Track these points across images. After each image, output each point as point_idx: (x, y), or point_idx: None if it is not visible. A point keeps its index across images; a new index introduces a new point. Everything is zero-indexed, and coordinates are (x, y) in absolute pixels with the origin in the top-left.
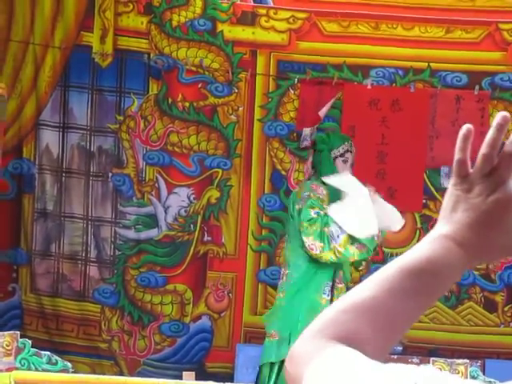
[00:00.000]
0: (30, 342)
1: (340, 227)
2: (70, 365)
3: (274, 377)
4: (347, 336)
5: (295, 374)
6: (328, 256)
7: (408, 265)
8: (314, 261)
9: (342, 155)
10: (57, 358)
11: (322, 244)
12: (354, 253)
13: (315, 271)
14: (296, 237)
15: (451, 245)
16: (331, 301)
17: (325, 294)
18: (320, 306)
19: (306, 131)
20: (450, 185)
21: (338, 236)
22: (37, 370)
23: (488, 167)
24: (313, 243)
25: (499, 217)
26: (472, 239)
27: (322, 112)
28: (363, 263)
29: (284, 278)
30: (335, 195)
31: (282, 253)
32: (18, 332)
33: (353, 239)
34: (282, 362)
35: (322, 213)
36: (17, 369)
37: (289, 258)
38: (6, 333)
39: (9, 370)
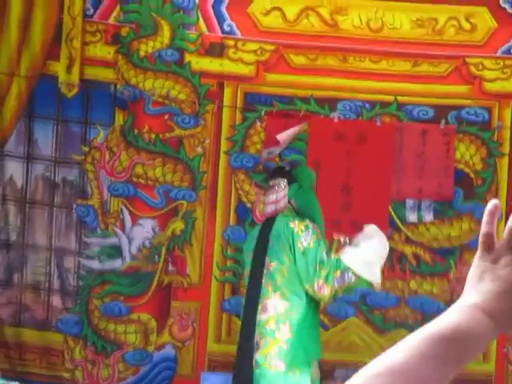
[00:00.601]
0: None
1: (351, 276)
2: None
3: None
4: None
5: None
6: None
7: (440, 332)
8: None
9: None
10: None
11: (329, 287)
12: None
13: (314, 305)
14: (294, 272)
15: (481, 315)
16: None
17: None
18: None
19: (264, 153)
20: (476, 257)
21: (346, 280)
22: None
23: None
24: (323, 286)
25: None
26: (501, 309)
27: (281, 136)
28: None
29: (281, 309)
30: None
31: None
32: None
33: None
34: None
35: (333, 256)
36: None
37: (287, 290)
38: None
39: None
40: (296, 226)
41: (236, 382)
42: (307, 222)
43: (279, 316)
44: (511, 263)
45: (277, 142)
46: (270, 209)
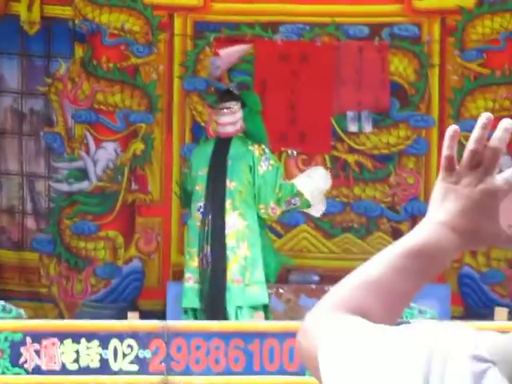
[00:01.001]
0: None
1: (297, 200)
2: (23, 312)
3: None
4: (358, 309)
5: (309, 346)
6: None
7: (409, 247)
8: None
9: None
10: (11, 306)
11: (280, 209)
12: None
13: (263, 225)
14: (249, 190)
15: (446, 230)
16: None
17: None
18: None
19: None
20: (439, 179)
21: (292, 204)
22: None
23: (475, 161)
24: (275, 208)
25: (487, 205)
26: (463, 225)
27: (224, 51)
28: None
29: (240, 227)
30: None
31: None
32: None
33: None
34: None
35: (288, 182)
36: None
37: (244, 210)
38: None
39: None
40: (255, 149)
41: (208, 294)
42: (263, 146)
43: (238, 233)
44: (472, 182)
45: (219, 56)
46: (227, 129)
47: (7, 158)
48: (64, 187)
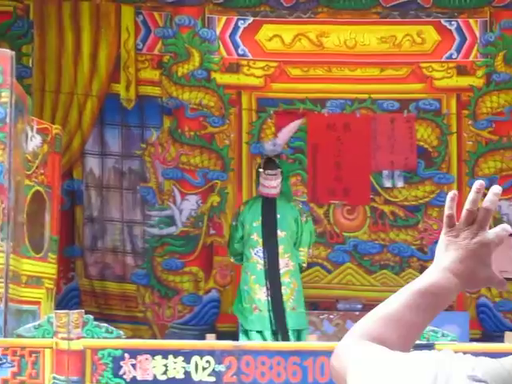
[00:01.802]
0: (92, 317)
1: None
2: (122, 333)
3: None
4: (378, 339)
5: (339, 367)
6: None
7: (419, 288)
8: None
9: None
10: (112, 328)
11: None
12: None
13: None
14: (293, 238)
15: (449, 275)
16: None
17: None
18: None
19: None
20: (442, 233)
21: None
22: (98, 337)
23: (471, 219)
24: (309, 251)
25: (481, 254)
26: (462, 270)
27: (281, 132)
28: None
29: (291, 267)
30: None
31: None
32: (83, 310)
33: None
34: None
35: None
36: (84, 337)
37: (292, 254)
38: (74, 311)
39: (78, 338)
40: (296, 205)
41: (274, 322)
42: (299, 202)
43: (290, 272)
44: (468, 236)
45: (278, 137)
46: (272, 191)
47: (111, 208)
48: (156, 231)
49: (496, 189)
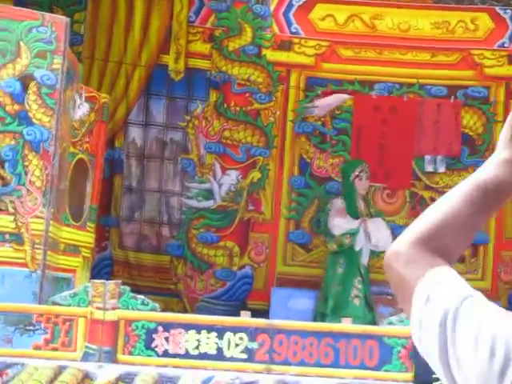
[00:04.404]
0: (128, 288)
1: None
2: (157, 306)
3: None
4: (442, 250)
5: (403, 273)
6: None
7: (479, 182)
8: None
9: (357, 176)
10: (148, 300)
11: None
12: None
13: None
14: None
15: (510, 168)
16: None
17: None
18: None
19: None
20: (507, 123)
21: None
22: (133, 309)
23: None
24: None
25: None
26: None
27: (325, 99)
28: None
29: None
30: None
31: None
32: (120, 281)
33: None
34: None
35: None
36: (119, 308)
37: None
38: (111, 281)
39: (113, 308)
40: None
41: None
42: None
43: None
44: None
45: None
46: None
47: (150, 178)
48: (194, 203)
49: None
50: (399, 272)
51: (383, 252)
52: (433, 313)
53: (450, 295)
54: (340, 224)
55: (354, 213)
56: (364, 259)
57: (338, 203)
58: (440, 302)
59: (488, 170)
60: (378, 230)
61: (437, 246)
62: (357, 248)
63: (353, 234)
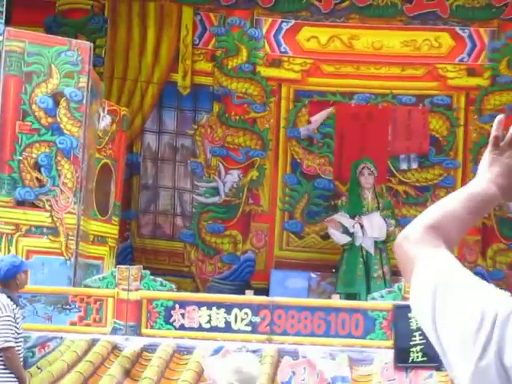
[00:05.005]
0: (148, 272)
1: None
2: (174, 286)
3: None
4: (446, 237)
5: (411, 253)
6: None
7: (472, 193)
8: None
9: (360, 172)
10: (166, 282)
11: None
12: None
13: None
14: None
15: (492, 186)
16: None
17: None
18: None
19: (303, 130)
20: (487, 151)
21: None
22: (153, 290)
23: None
24: None
25: None
26: (502, 183)
27: (314, 117)
28: None
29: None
30: None
31: None
32: (141, 266)
33: None
34: None
35: None
36: (141, 289)
37: None
38: (134, 267)
39: (136, 290)
40: None
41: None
42: None
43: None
44: (510, 155)
45: (310, 122)
46: None
47: (164, 177)
48: (202, 199)
49: None
50: (409, 249)
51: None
52: (427, 284)
53: (443, 269)
54: (332, 232)
55: (357, 207)
56: (370, 249)
57: (334, 216)
58: (434, 275)
59: (478, 185)
60: (371, 224)
61: (442, 232)
62: (357, 243)
63: (351, 233)
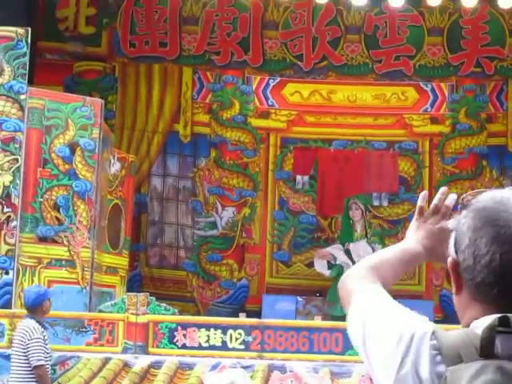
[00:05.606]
0: (154, 298)
1: None
2: (176, 310)
3: None
4: (382, 278)
5: (350, 287)
6: None
7: (404, 249)
8: None
9: (349, 207)
10: (169, 307)
11: None
12: None
13: None
14: None
15: (419, 246)
16: None
17: None
18: None
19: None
20: (414, 219)
21: None
22: (158, 314)
23: (436, 211)
24: None
25: (441, 236)
26: (426, 245)
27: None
28: None
29: None
30: None
31: None
32: (148, 293)
33: None
34: None
35: None
36: (148, 313)
37: None
38: (141, 294)
39: (143, 314)
40: None
41: None
42: None
43: None
44: (433, 223)
45: (303, 166)
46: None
47: (169, 214)
48: (202, 233)
49: (442, 189)
50: (349, 284)
51: None
52: (359, 313)
53: (373, 300)
54: (316, 262)
55: (348, 236)
56: None
57: (328, 248)
58: (365, 306)
59: (409, 243)
60: (357, 250)
61: (379, 274)
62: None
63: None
